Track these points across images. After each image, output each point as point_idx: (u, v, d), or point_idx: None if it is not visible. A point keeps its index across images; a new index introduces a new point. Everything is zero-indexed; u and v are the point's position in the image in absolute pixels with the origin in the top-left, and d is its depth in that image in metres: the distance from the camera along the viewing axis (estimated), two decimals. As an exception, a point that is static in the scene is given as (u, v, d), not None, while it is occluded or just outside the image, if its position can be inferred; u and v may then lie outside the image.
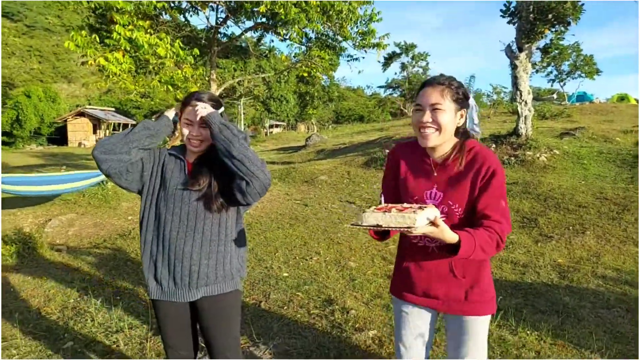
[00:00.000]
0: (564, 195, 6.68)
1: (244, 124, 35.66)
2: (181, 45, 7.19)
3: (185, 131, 1.85)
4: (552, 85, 32.66)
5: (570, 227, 5.63)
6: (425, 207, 1.49)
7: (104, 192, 7.84)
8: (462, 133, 1.64)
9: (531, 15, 8.68)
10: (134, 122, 41.58)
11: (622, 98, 25.98)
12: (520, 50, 9.07)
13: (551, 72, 29.43)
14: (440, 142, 1.60)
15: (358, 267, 4.70)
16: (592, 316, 3.42)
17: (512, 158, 8.49)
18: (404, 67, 43.51)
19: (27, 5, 56.26)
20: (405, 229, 1.42)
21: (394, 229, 1.46)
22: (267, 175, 1.75)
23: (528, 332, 3.16)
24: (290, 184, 9.41)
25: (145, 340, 3.11)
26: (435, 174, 1.64)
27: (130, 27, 6.42)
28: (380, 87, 54.13)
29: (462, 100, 1.60)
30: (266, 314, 3.51)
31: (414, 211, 1.45)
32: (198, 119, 1.81)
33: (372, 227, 1.47)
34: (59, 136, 38.55)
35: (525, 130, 9.19)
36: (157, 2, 6.85)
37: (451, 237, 1.45)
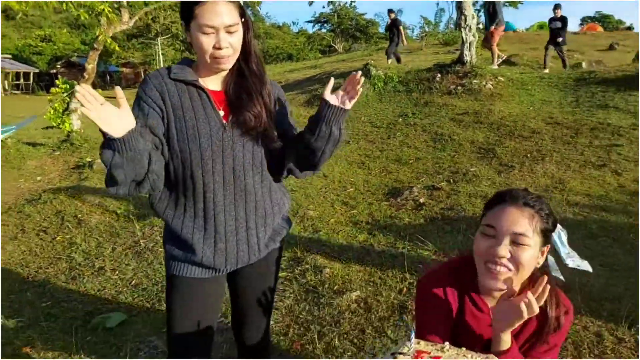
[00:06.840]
0: (516, 123, 6.50)
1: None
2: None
3: (207, 42, 1.26)
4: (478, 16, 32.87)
5: (529, 155, 5.45)
6: (488, 358, 1.04)
7: (5, 150, 6.60)
8: (538, 271, 1.19)
9: None
10: (35, 70, 36.89)
11: (542, 26, 26.77)
12: (463, -28, 8.53)
13: (477, 1, 29.44)
14: (516, 286, 1.15)
15: (319, 215, 4.20)
16: (582, 248, 3.19)
17: (459, 87, 8.19)
18: (331, -1, 41.73)
19: None
20: None
21: None
22: None
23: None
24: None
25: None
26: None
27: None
28: (308, 21, 51.84)
29: (549, 233, 1.17)
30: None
31: None
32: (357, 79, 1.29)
33: None
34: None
35: (470, 58, 8.88)
36: None
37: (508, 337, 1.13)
